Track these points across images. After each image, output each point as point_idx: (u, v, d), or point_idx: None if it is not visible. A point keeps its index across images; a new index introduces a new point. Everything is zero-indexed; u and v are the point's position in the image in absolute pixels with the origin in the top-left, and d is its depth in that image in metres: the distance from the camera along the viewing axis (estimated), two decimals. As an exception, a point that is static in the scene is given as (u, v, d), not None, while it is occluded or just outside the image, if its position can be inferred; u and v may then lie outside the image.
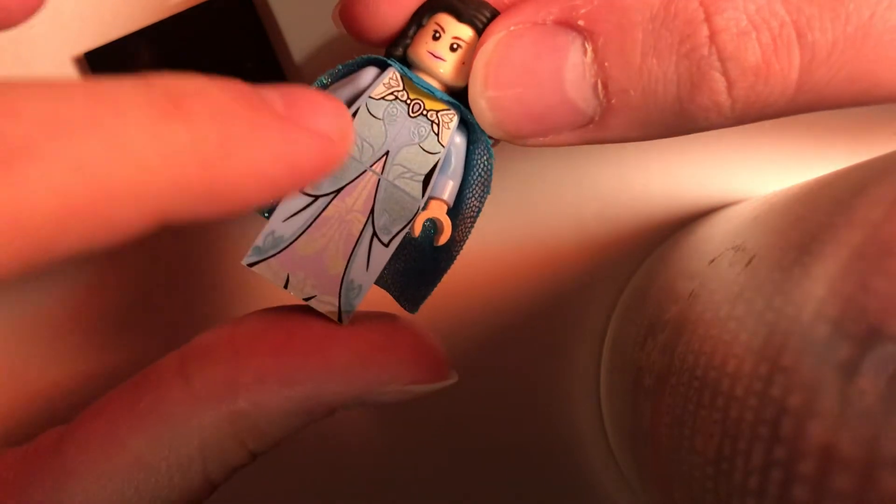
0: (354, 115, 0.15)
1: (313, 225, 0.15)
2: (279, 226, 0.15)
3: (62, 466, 0.15)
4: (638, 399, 0.18)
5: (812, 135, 0.24)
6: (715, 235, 0.19)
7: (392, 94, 0.16)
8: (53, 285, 0.23)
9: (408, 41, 0.16)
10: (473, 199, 0.17)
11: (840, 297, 0.11)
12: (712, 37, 0.13)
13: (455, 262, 0.17)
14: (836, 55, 0.13)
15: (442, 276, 0.17)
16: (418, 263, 0.18)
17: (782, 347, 0.12)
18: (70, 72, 0.23)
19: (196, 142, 0.11)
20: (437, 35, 0.15)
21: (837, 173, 0.16)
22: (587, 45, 0.13)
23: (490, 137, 0.16)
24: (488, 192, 0.17)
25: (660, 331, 0.18)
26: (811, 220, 0.14)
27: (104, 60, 0.23)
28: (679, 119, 0.14)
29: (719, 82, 0.13)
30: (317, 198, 0.15)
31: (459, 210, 0.17)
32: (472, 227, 0.17)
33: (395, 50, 0.16)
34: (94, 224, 0.10)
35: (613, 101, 0.14)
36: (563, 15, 0.14)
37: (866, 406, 0.10)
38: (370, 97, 0.16)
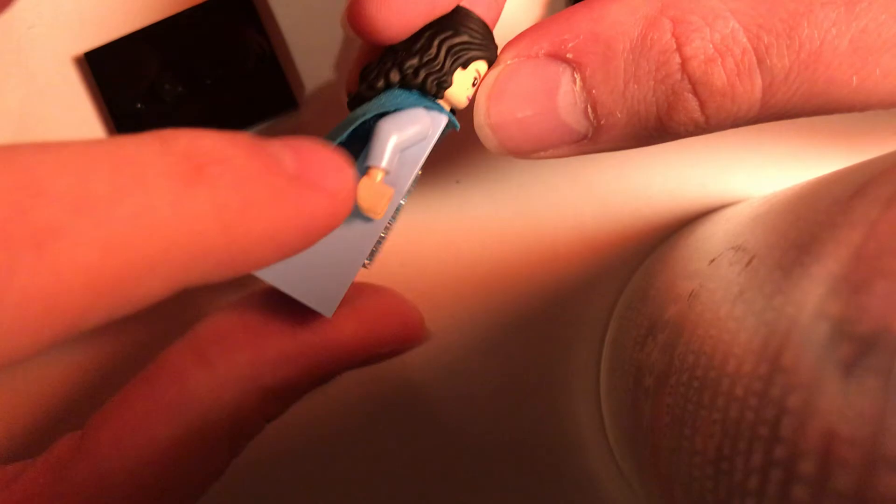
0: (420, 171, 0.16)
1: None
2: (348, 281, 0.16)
3: (96, 472, 0.15)
4: (638, 399, 0.18)
5: (812, 135, 0.24)
6: (715, 235, 0.19)
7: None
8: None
9: (449, 84, 0.16)
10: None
11: (840, 297, 0.11)
12: (683, 64, 0.14)
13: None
14: (793, 77, 0.14)
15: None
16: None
17: (782, 347, 0.12)
18: (70, 72, 0.23)
19: (219, 208, 0.11)
20: (476, 83, 0.16)
21: (837, 173, 0.16)
22: (576, 75, 0.15)
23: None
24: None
25: (660, 331, 0.18)
26: (811, 220, 0.14)
27: (104, 60, 0.23)
28: (661, 132, 0.15)
29: (692, 102, 0.15)
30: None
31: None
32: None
33: (437, 92, 0.16)
34: (120, 297, 0.10)
35: (602, 121, 0.15)
36: (553, 48, 0.15)
37: (866, 406, 0.10)
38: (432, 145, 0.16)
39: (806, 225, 0.14)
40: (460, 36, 0.16)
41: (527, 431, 0.24)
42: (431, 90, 0.16)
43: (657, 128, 0.15)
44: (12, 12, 0.23)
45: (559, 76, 0.15)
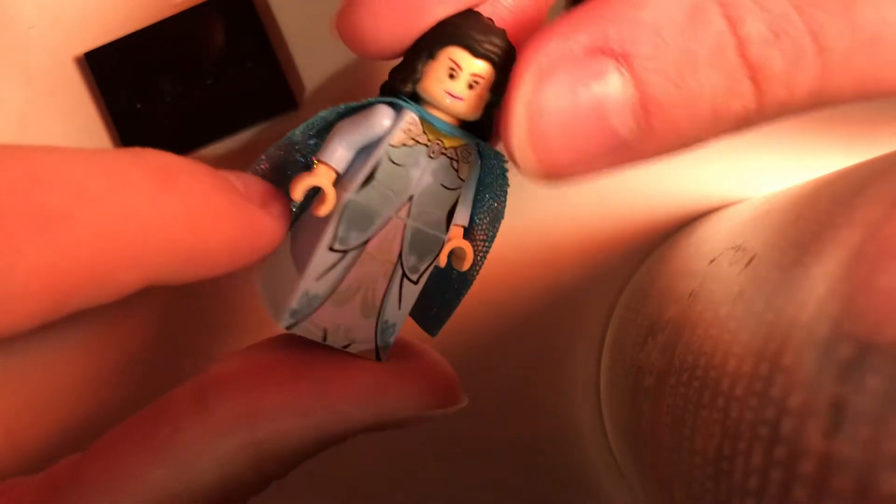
0: (376, 167, 0.15)
1: (346, 278, 0.15)
2: (313, 285, 0.15)
3: (79, 499, 0.15)
4: (638, 399, 0.18)
5: (812, 135, 0.24)
6: (715, 235, 0.19)
7: (412, 138, 0.15)
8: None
9: (418, 76, 0.15)
10: (485, 222, 0.17)
11: (840, 297, 0.11)
12: (739, 46, 0.13)
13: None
14: (849, 60, 0.13)
15: (461, 299, 0.17)
16: (438, 290, 0.18)
17: (782, 347, 0.12)
18: (70, 72, 0.23)
19: (189, 212, 0.13)
20: (454, 74, 0.15)
21: (837, 173, 0.16)
22: (622, 69, 0.13)
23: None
24: (502, 217, 0.17)
25: (660, 331, 0.18)
26: (811, 220, 0.14)
27: (104, 60, 0.23)
28: (711, 129, 0.14)
29: (749, 89, 0.13)
30: (346, 252, 0.15)
31: (472, 232, 0.17)
32: (486, 251, 0.17)
33: (405, 87, 0.15)
34: (102, 283, 0.12)
35: (653, 121, 0.14)
36: (593, 42, 0.14)
37: (866, 406, 0.10)
38: (391, 145, 0.15)
39: (806, 225, 0.14)
40: (432, 30, 0.15)
41: (527, 431, 0.24)
42: (397, 87, 0.15)
43: (709, 124, 0.14)
44: (12, 12, 0.23)
45: (603, 73, 0.14)
